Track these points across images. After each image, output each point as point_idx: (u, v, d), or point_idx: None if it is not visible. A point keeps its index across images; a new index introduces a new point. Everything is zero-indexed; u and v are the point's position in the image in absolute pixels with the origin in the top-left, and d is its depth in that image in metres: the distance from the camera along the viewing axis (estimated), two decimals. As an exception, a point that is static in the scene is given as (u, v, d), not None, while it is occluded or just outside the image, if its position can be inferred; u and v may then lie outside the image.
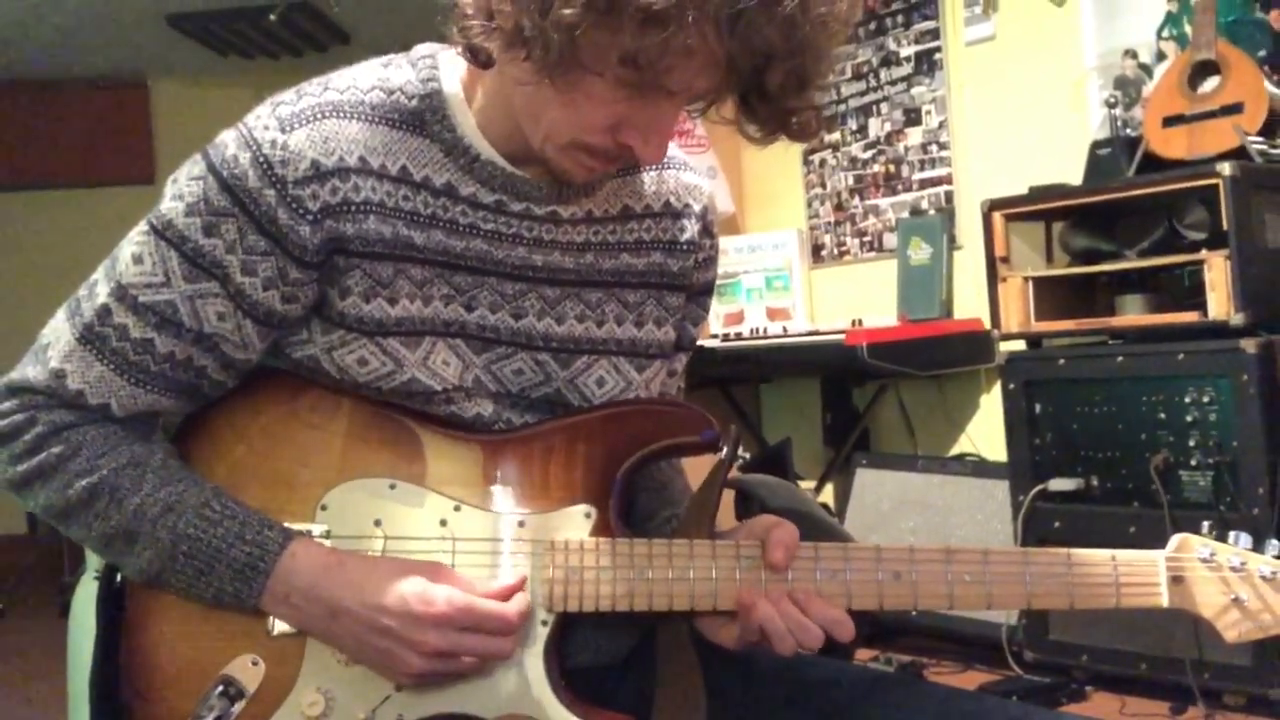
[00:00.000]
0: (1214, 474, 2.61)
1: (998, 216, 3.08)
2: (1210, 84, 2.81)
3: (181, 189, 1.06)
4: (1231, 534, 1.08)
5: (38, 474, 1.06)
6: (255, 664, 1.05)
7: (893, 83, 3.93)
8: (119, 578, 1.10)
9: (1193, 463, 2.66)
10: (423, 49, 1.14)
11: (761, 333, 3.90)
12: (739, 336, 3.89)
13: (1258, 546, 1.07)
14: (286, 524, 1.07)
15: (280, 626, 1.06)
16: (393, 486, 1.08)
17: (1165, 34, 3.21)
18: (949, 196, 3.79)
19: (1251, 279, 2.61)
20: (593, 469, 1.10)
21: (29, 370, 1.07)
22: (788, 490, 2.13)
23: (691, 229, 1.22)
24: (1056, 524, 2.89)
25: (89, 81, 5.99)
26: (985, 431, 3.63)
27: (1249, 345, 2.55)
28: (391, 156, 1.08)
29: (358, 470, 1.09)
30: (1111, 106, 3.12)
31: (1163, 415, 2.71)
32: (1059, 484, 2.87)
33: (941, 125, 3.79)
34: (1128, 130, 3.13)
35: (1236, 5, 3.01)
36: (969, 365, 3.60)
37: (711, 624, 1.09)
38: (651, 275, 1.19)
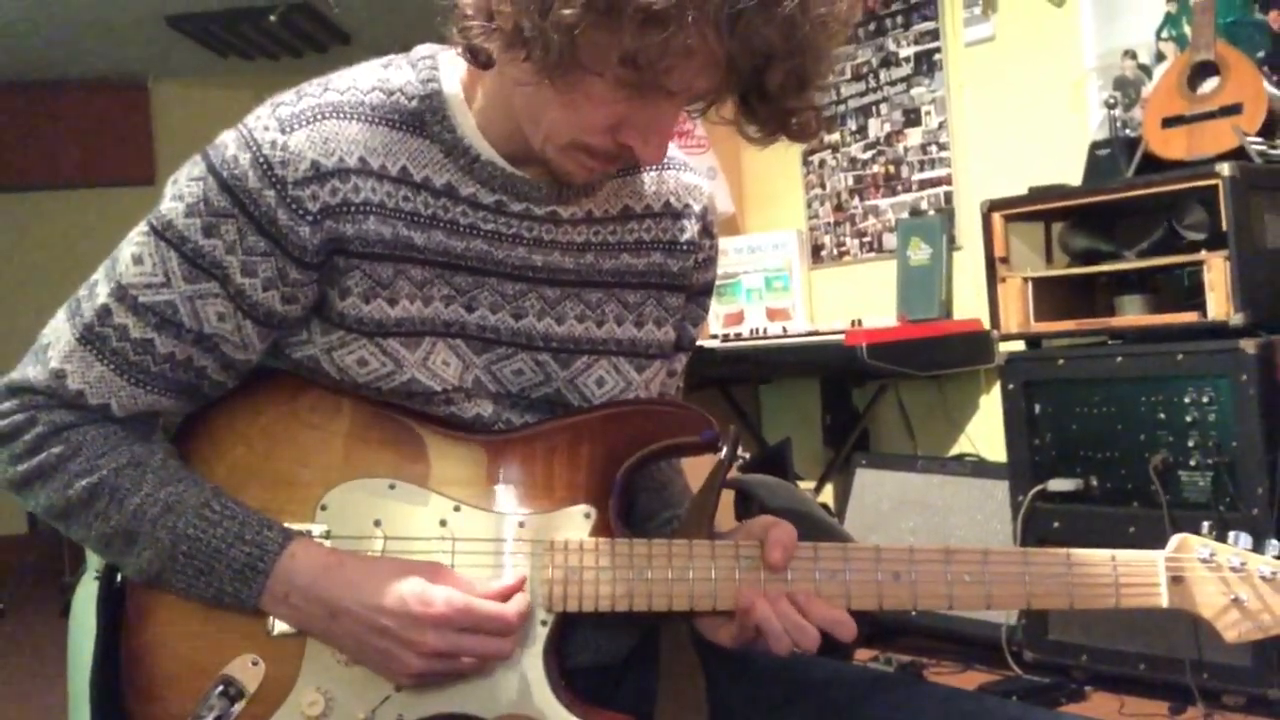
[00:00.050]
0: (1213, 474, 2.61)
1: (997, 217, 3.09)
2: (1209, 85, 2.81)
3: (181, 189, 1.06)
4: (1231, 534, 1.08)
5: (38, 474, 1.06)
6: (255, 664, 1.05)
7: (892, 83, 3.93)
8: (119, 578, 1.10)
9: (1192, 463, 2.66)
10: (423, 50, 1.14)
11: (761, 333, 3.90)
12: (739, 337, 3.89)
13: (1257, 547, 1.07)
14: (286, 524, 1.07)
15: (280, 626, 1.06)
16: (392, 487, 1.09)
17: (1164, 35, 3.21)
18: (948, 197, 3.80)
19: (1251, 279, 2.61)
20: (593, 469, 1.10)
21: (29, 370, 1.08)
22: (787, 490, 2.13)
23: (691, 229, 1.22)
24: (1056, 524, 2.89)
25: (89, 82, 5.99)
26: (985, 432, 3.63)
27: (1248, 345, 2.56)
28: (391, 157, 1.08)
29: (357, 470, 1.09)
30: (1111, 107, 3.12)
31: (1162, 415, 2.71)
32: (1058, 484, 2.87)
33: (941, 126, 3.80)
34: (1127, 131, 3.14)
35: (1236, 6, 3.01)
36: (968, 366, 3.60)
37: (710, 623, 1.09)
38: (651, 275, 1.19)
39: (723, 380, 4.18)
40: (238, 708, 1.04)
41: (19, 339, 1.21)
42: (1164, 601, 1.07)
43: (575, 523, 1.08)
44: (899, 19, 3.89)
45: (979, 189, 3.58)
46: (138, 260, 1.06)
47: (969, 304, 3.67)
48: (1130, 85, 3.27)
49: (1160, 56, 3.21)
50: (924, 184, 3.87)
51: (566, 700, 1.05)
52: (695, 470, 1.21)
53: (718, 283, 1.32)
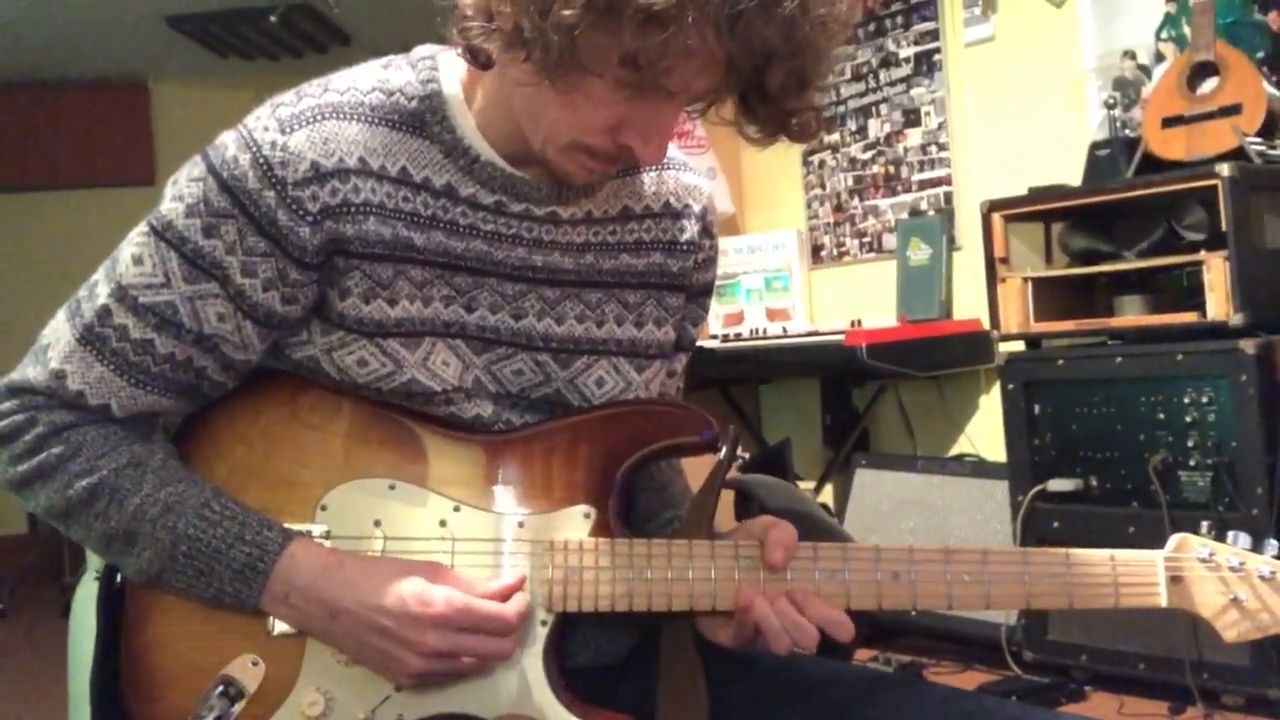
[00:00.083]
0: (1213, 474, 2.61)
1: (997, 217, 3.09)
2: (1209, 85, 2.81)
3: (181, 190, 1.06)
4: (1230, 534, 1.08)
5: (38, 474, 1.06)
6: (255, 664, 1.05)
7: (892, 84, 3.94)
8: (119, 578, 1.10)
9: (1191, 463, 2.66)
10: (422, 50, 1.14)
11: (761, 333, 3.90)
12: (738, 337, 3.90)
13: (1256, 546, 1.07)
14: (286, 524, 1.07)
15: (280, 627, 1.06)
16: (392, 487, 1.09)
17: (1164, 35, 3.21)
18: (948, 197, 3.80)
19: (1250, 280, 2.61)
20: (592, 469, 1.10)
21: (29, 371, 1.08)
22: (787, 490, 2.13)
23: (691, 229, 1.22)
24: (1055, 524, 2.89)
25: (89, 82, 5.99)
26: (984, 432, 3.63)
27: (1248, 346, 2.56)
28: (391, 158, 1.08)
29: (357, 471, 1.09)
30: (1110, 107, 3.12)
31: (1162, 416, 2.71)
32: (1058, 484, 2.87)
33: (941, 126, 3.80)
34: (1127, 131, 3.14)
35: (1235, 6, 3.01)
36: (968, 366, 3.61)
37: (710, 623, 1.09)
38: (651, 276, 1.19)
39: (723, 380, 4.18)
40: (238, 708, 1.04)
41: (19, 339, 1.21)
42: (1163, 601, 1.07)
43: (575, 523, 1.08)
44: (899, 19, 3.90)
45: (979, 189, 3.58)
46: (138, 261, 1.06)
47: (969, 304, 3.68)
48: (1130, 86, 3.27)
49: (1160, 57, 3.21)
50: (924, 184, 3.87)
51: (566, 700, 1.05)
52: (695, 470, 1.22)
53: (717, 283, 1.32)
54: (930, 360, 3.51)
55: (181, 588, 1.06)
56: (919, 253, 3.78)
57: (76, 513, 1.06)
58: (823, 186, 4.23)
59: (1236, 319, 2.60)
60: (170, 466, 1.08)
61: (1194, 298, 2.75)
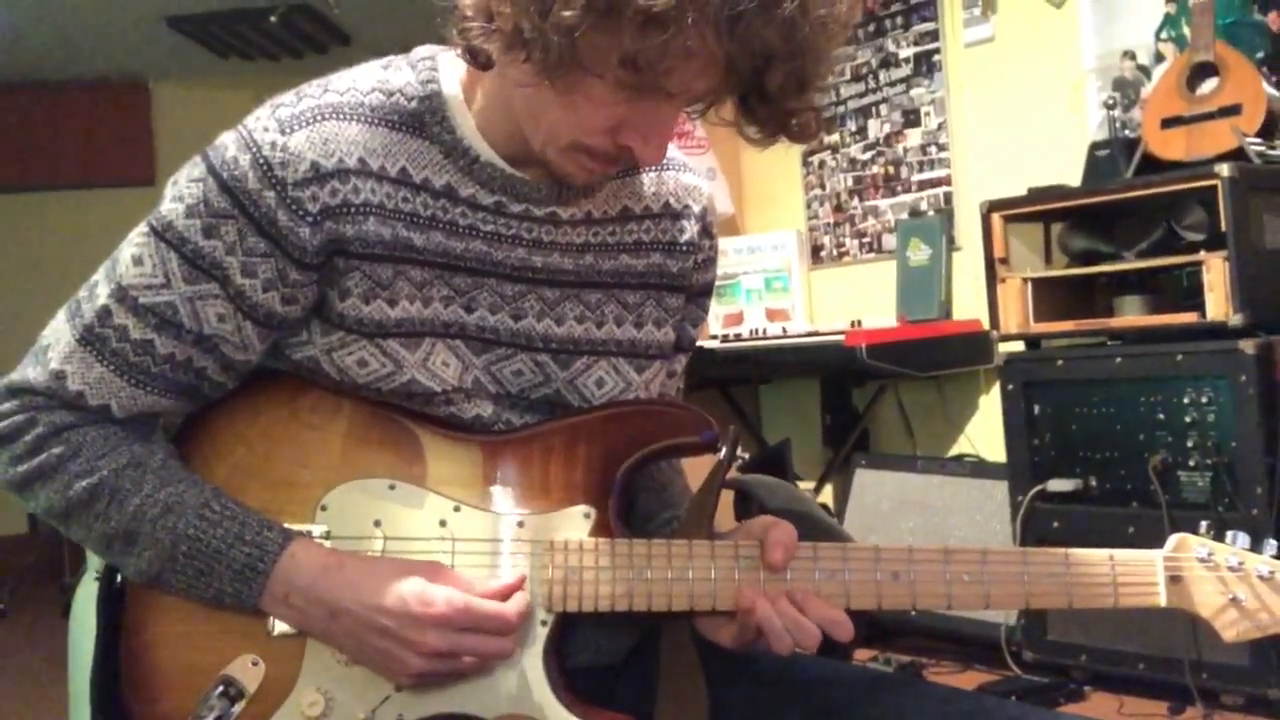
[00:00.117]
0: (1212, 474, 2.61)
1: (996, 218, 3.09)
2: (1209, 85, 2.81)
3: (181, 190, 1.06)
4: (1229, 534, 1.09)
5: (38, 475, 1.06)
6: (255, 664, 1.05)
7: (892, 84, 3.94)
8: (119, 578, 1.10)
9: (1191, 463, 2.66)
10: (422, 51, 1.14)
11: (761, 333, 3.90)
12: (738, 337, 3.90)
13: (1255, 546, 1.08)
14: (286, 525, 1.07)
15: (280, 627, 1.06)
16: (392, 487, 1.09)
17: (1164, 35, 3.21)
18: (948, 198, 3.80)
19: (1250, 280, 2.61)
20: (592, 469, 1.10)
21: (29, 371, 1.08)
22: (787, 490, 2.13)
23: (691, 230, 1.22)
24: (1055, 524, 2.89)
25: (89, 83, 5.99)
26: (984, 432, 3.63)
27: (1247, 346, 2.56)
28: (391, 158, 1.08)
29: (357, 471, 1.09)
30: (1110, 108, 3.13)
31: (1161, 416, 2.72)
32: (1058, 484, 2.87)
33: (940, 127, 3.80)
34: (1126, 131, 3.14)
35: (1235, 7, 3.01)
36: (968, 366, 3.61)
37: (710, 623, 1.09)
38: (651, 276, 1.19)
39: (722, 380, 4.18)
40: (238, 708, 1.04)
41: (19, 339, 1.22)
42: (1162, 601, 1.07)
43: (575, 523, 1.08)
44: (898, 20, 3.90)
45: (978, 190, 3.58)
46: (138, 261, 1.06)
47: (968, 304, 3.68)
48: (1129, 86, 3.27)
49: (1159, 57, 3.21)
50: (923, 185, 3.87)
51: (566, 700, 1.06)
52: (695, 470, 1.22)
53: (717, 283, 1.32)
54: (930, 360, 3.51)
55: (181, 588, 1.06)
56: (919, 253, 3.78)
57: (76, 513, 1.06)
58: (822, 187, 4.23)
59: (1236, 319, 2.60)
60: (170, 467, 1.08)
61: (1194, 298, 2.75)
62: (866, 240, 4.08)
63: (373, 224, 1.07)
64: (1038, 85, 3.51)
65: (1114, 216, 2.97)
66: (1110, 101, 3.14)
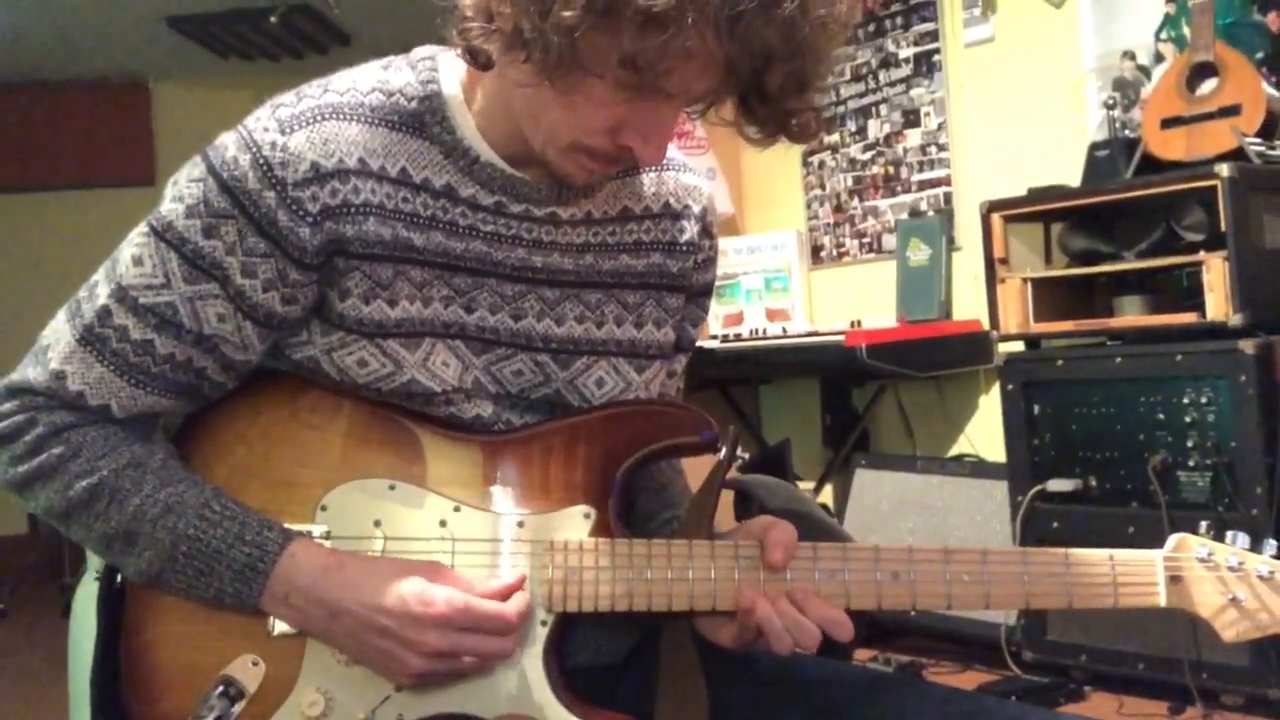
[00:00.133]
0: (1212, 474, 2.61)
1: (996, 218, 3.09)
2: (1208, 86, 2.81)
3: (182, 191, 1.06)
4: (1229, 534, 1.09)
5: (38, 475, 1.06)
6: (255, 664, 1.06)
7: (892, 84, 3.94)
8: (119, 578, 1.10)
9: (1191, 463, 2.66)
10: (422, 51, 1.14)
11: (761, 334, 3.90)
12: (738, 337, 3.90)
13: (1255, 546, 1.08)
14: (286, 525, 1.07)
15: (280, 627, 1.06)
16: (392, 487, 1.09)
17: (1163, 36, 3.21)
18: (948, 198, 3.80)
19: (1249, 280, 2.61)
20: (592, 469, 1.10)
21: (29, 371, 1.08)
22: (787, 491, 2.13)
23: (691, 230, 1.22)
24: (1055, 524, 2.89)
25: (89, 83, 5.99)
26: (984, 432, 3.63)
27: (1247, 346, 2.56)
28: (391, 158, 1.09)
29: (358, 471, 1.09)
30: (1110, 108, 3.13)
31: (1161, 416, 2.72)
32: (1057, 484, 2.87)
33: (940, 127, 3.80)
34: (1126, 132, 3.14)
35: (1235, 7, 3.01)
36: (968, 366, 3.61)
37: (710, 623, 1.09)
38: (651, 276, 1.20)
39: (722, 381, 4.18)
40: (238, 708, 1.04)
41: (19, 339, 1.22)
42: (1162, 601, 1.07)
43: (575, 523, 1.08)
44: (898, 20, 3.90)
45: (978, 190, 3.58)
46: (138, 261, 1.06)
47: (968, 305, 3.68)
48: (1129, 86, 3.27)
49: (1159, 57, 3.21)
50: (923, 185, 3.87)
51: (566, 700, 1.06)
52: (695, 470, 1.22)
53: (717, 283, 1.32)
54: (930, 360, 3.51)
55: (181, 588, 1.06)
56: (919, 253, 3.78)
57: (76, 513, 1.06)
58: (822, 187, 4.23)
59: (1236, 319, 2.60)
60: (170, 467, 1.08)
61: (1193, 298, 2.75)
62: (866, 240, 4.08)
63: (373, 224, 1.07)
64: (1038, 85, 3.51)
65: (1114, 216, 2.97)
66: (1110, 101, 3.14)
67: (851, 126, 4.08)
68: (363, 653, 1.04)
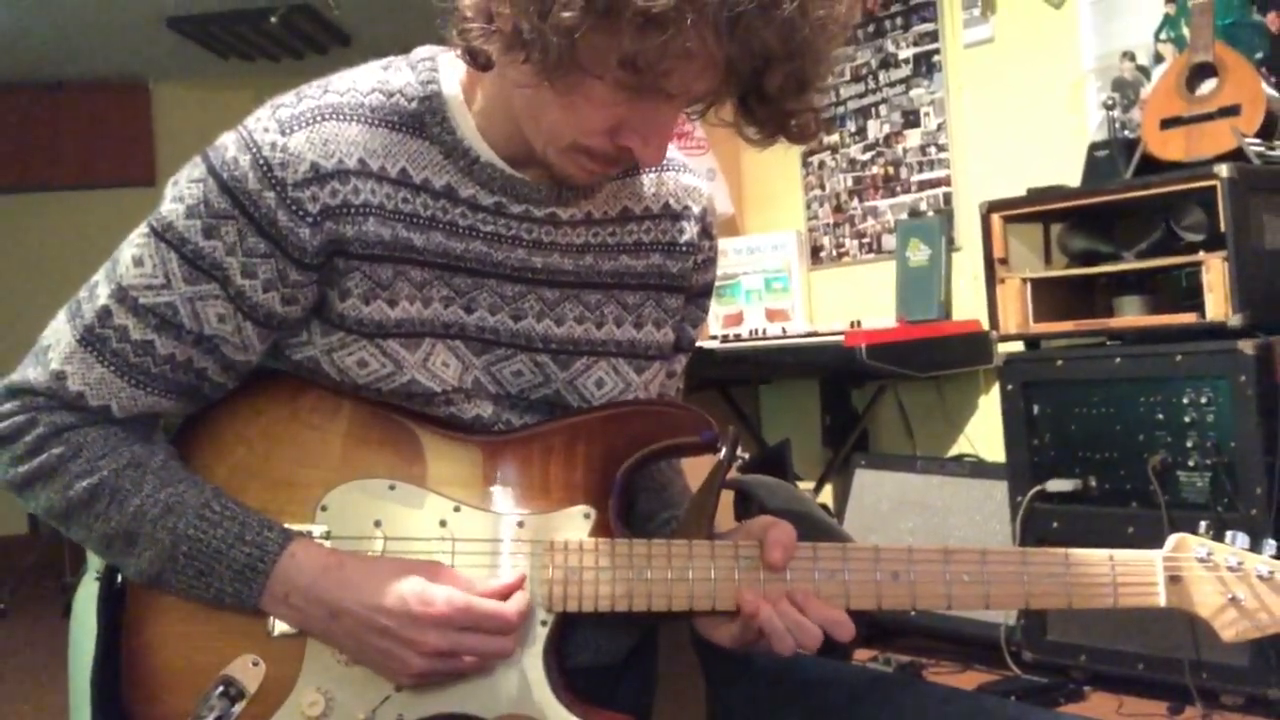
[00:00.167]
0: (1211, 474, 2.62)
1: (996, 218, 3.09)
2: (1208, 86, 2.81)
3: (182, 191, 1.06)
4: (1229, 534, 1.09)
5: (39, 475, 1.06)
6: (255, 664, 1.06)
7: (891, 85, 3.94)
8: (120, 578, 1.10)
9: (1190, 463, 2.66)
10: (422, 51, 1.14)
11: (760, 334, 3.90)
12: (738, 338, 3.90)
13: (1255, 546, 1.08)
14: (286, 525, 1.07)
15: (280, 627, 1.06)
16: (392, 487, 1.09)
17: (1163, 36, 3.21)
18: (947, 198, 3.80)
19: (1249, 280, 2.61)
20: (592, 470, 1.10)
21: (30, 372, 1.08)
22: (786, 491, 2.13)
23: (690, 230, 1.22)
24: (1055, 524, 2.89)
25: (90, 83, 6.00)
26: (984, 432, 3.64)
27: (1247, 346, 2.56)
28: (391, 159, 1.09)
29: (358, 471, 1.09)
30: (1109, 108, 3.13)
31: (1161, 416, 2.72)
32: (1057, 485, 2.87)
33: (940, 127, 3.80)
34: (1126, 132, 3.14)
35: (1234, 7, 3.01)
36: (967, 366, 3.61)
37: (710, 623, 1.09)
38: (651, 277, 1.20)
39: (722, 381, 4.18)
40: (238, 708, 1.05)
41: (19, 340, 1.22)
42: (1162, 601, 1.07)
43: (575, 523, 1.08)
44: (898, 20, 3.90)
45: (978, 190, 3.58)
46: (138, 262, 1.06)
47: (968, 305, 3.68)
48: (1129, 86, 3.27)
49: (1159, 58, 3.21)
50: (923, 185, 3.87)
51: (566, 700, 1.06)
52: (695, 470, 1.22)
53: (717, 284, 1.32)
54: (929, 361, 3.51)
55: (182, 588, 1.06)
56: (918, 253, 3.79)
57: (77, 513, 1.06)
58: (822, 187, 4.23)
59: (1235, 320, 2.60)
60: (170, 467, 1.08)
61: (1193, 298, 2.75)
62: (866, 241, 4.09)
63: (373, 224, 1.07)
64: (1037, 86, 3.51)
65: (1113, 217, 2.97)
66: (1110, 102, 3.14)
67: (851, 127, 4.08)
68: (363, 652, 1.05)
